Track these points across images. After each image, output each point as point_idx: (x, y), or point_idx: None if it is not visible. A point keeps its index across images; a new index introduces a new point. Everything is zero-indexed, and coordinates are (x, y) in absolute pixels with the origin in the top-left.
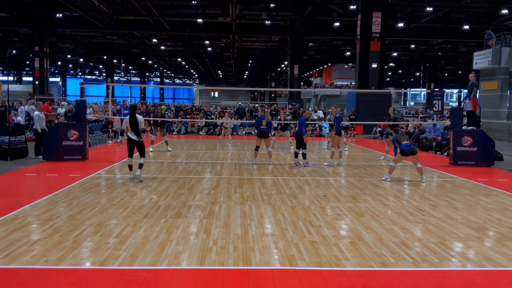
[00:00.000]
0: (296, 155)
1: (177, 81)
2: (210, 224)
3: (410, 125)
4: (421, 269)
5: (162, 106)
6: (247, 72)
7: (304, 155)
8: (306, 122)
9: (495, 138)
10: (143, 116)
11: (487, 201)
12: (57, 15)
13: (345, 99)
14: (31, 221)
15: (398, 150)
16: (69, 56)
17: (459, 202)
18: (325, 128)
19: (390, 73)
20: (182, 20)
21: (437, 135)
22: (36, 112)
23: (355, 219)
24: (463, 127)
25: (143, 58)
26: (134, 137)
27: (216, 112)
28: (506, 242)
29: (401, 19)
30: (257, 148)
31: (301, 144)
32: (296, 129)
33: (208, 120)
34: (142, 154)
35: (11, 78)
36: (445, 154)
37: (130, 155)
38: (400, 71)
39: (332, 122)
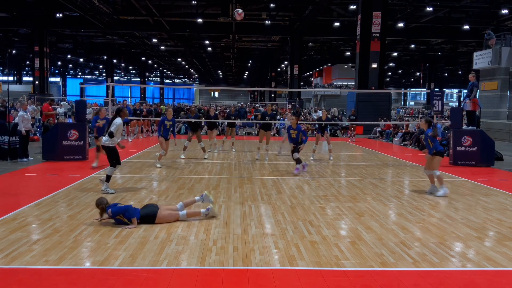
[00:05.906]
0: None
1: (177, 81)
2: (210, 224)
3: (410, 125)
4: (421, 269)
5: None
6: (247, 72)
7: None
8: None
9: (495, 138)
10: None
11: (487, 201)
12: (57, 15)
13: (345, 99)
14: (31, 221)
15: (429, 151)
16: (69, 56)
17: (459, 202)
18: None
19: (390, 73)
20: (182, 20)
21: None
22: (20, 113)
23: (355, 219)
24: (463, 127)
25: (143, 58)
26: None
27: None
28: (506, 242)
29: (401, 19)
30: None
31: None
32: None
33: (208, 120)
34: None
35: (11, 78)
36: (445, 154)
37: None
38: (400, 71)
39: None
